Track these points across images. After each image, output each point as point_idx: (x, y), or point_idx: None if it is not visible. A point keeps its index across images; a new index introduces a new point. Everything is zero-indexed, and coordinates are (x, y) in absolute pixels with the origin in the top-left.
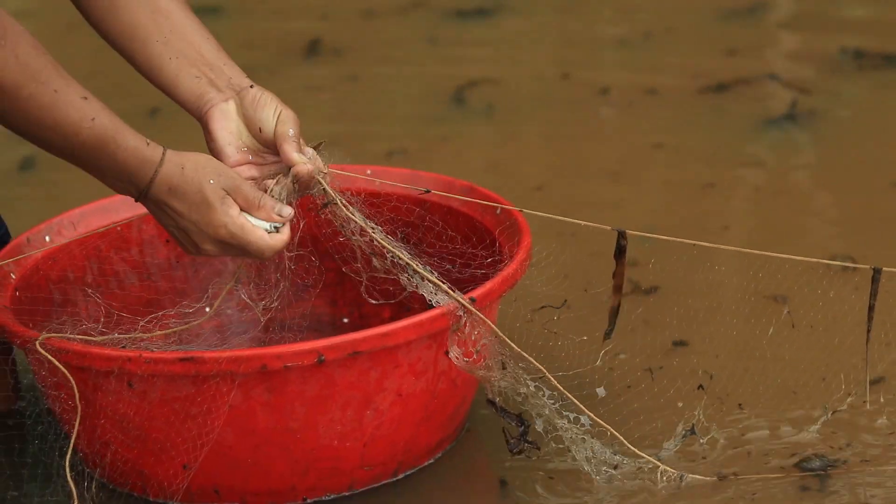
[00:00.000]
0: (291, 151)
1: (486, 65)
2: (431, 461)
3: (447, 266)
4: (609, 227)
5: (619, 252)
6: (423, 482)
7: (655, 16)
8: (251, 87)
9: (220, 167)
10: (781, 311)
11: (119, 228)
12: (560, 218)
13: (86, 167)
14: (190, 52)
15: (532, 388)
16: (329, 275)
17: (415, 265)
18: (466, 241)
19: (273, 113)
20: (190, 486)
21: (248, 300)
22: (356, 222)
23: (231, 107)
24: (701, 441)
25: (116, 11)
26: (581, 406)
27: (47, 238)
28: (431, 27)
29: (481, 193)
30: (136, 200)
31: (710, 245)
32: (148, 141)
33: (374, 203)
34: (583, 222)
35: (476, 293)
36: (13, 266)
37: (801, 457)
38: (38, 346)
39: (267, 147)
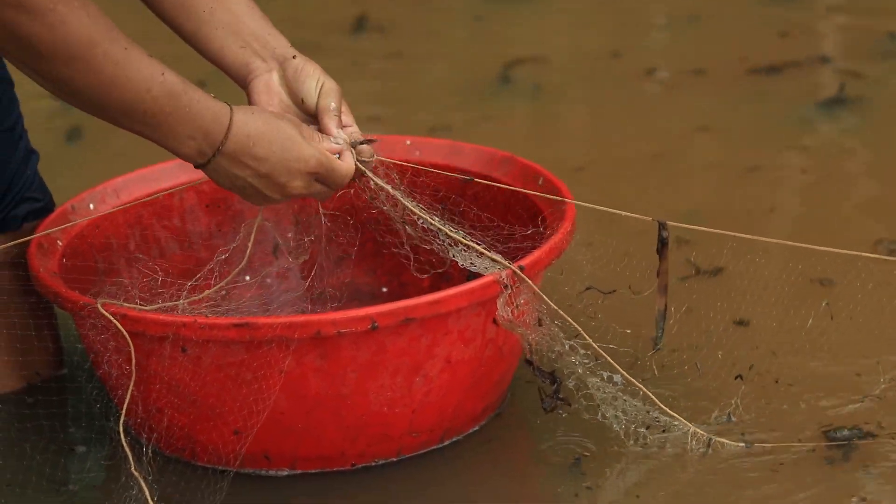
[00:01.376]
0: (331, 126)
1: (533, 43)
2: (476, 428)
3: (489, 237)
4: (650, 218)
5: (662, 245)
6: (468, 450)
7: None
8: (294, 57)
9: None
10: (827, 293)
11: (161, 197)
12: (599, 207)
13: (153, 128)
14: (235, 23)
15: (567, 347)
16: (367, 244)
17: (460, 238)
18: (509, 212)
19: (315, 85)
20: (240, 451)
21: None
22: (402, 202)
23: (275, 77)
24: (732, 418)
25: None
26: (615, 364)
27: (91, 206)
28: (479, 5)
29: (521, 164)
30: (203, 164)
31: (752, 237)
32: (212, 94)
33: (414, 173)
34: (623, 212)
35: (524, 261)
36: (59, 233)
37: (830, 427)
38: (100, 307)
39: (311, 117)
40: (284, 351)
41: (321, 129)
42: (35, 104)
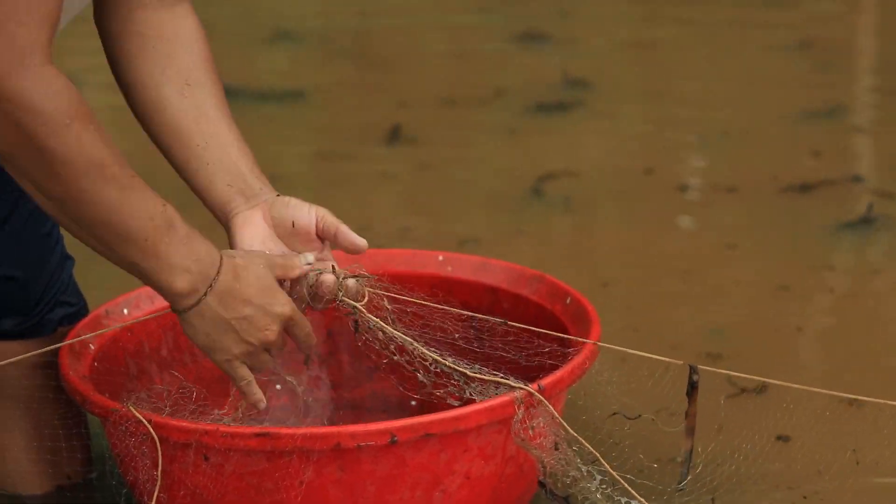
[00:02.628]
0: (350, 232)
1: (566, 158)
2: None
3: (514, 355)
4: (681, 362)
5: (691, 388)
6: None
7: (731, 116)
8: (279, 195)
9: (253, 249)
10: (858, 412)
11: None
12: (628, 350)
13: (150, 257)
14: (226, 161)
15: (584, 472)
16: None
17: (475, 374)
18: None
19: (308, 209)
20: None
21: (292, 383)
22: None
23: (256, 214)
24: None
25: (163, 112)
26: (632, 491)
27: (125, 311)
28: (513, 118)
29: (550, 283)
30: (191, 305)
31: (783, 383)
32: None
33: (446, 289)
34: (654, 356)
35: (545, 381)
36: (92, 337)
37: None
38: (130, 408)
39: (300, 241)
40: (305, 462)
41: (340, 240)
42: None
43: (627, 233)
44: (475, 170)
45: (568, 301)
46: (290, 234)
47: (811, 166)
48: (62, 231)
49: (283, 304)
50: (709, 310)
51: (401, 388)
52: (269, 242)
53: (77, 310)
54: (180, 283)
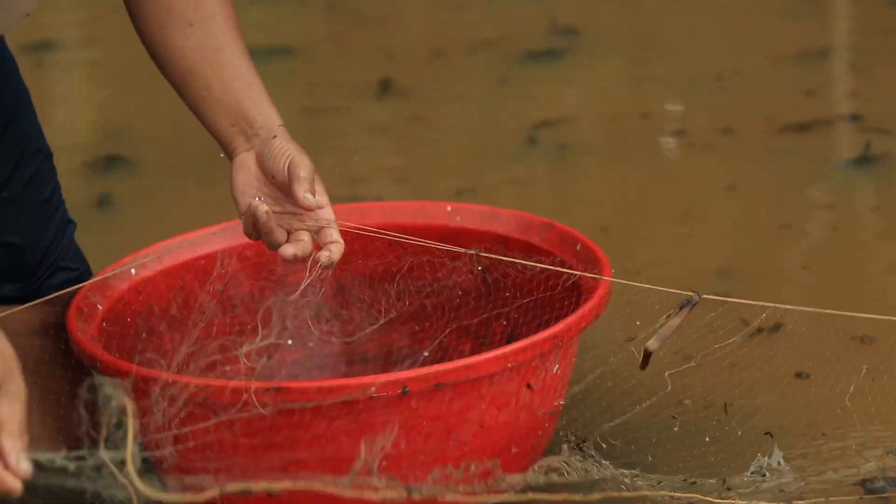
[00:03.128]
0: (300, 189)
1: (559, 105)
2: (511, 493)
3: (526, 300)
4: (691, 293)
5: (690, 307)
6: None
7: (723, 58)
8: (275, 137)
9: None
10: (867, 350)
11: (203, 262)
12: (626, 282)
13: None
14: (228, 100)
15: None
16: (411, 309)
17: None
18: (548, 276)
19: (283, 163)
20: None
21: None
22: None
23: (250, 157)
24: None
25: (169, 55)
26: None
27: (132, 270)
28: (501, 68)
29: (560, 230)
30: None
31: (796, 308)
32: None
33: (455, 239)
34: (660, 288)
35: (556, 329)
36: (100, 298)
37: (866, 478)
38: (140, 367)
39: (284, 194)
40: (317, 415)
41: (292, 198)
42: (67, 174)
43: (625, 177)
44: (468, 120)
45: (578, 248)
46: (274, 185)
47: (807, 106)
48: (63, 195)
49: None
50: (712, 252)
51: (412, 340)
52: (262, 188)
53: (79, 274)
54: None
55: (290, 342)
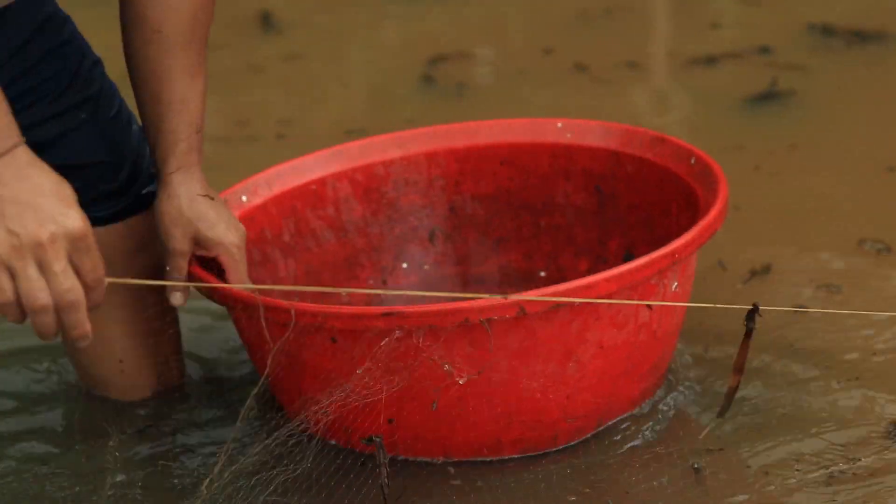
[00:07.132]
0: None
1: (456, 41)
2: (634, 411)
3: (643, 218)
4: (751, 305)
5: (748, 330)
6: (626, 438)
7: None
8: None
9: None
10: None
11: (314, 187)
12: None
13: None
14: (169, 138)
15: None
16: (525, 228)
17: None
18: (663, 192)
19: (216, 245)
20: (395, 439)
21: None
22: None
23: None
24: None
25: (129, 57)
26: None
27: (244, 198)
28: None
29: (673, 144)
30: None
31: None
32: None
33: (567, 156)
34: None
35: (676, 244)
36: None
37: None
38: (256, 295)
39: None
40: (434, 339)
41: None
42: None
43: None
44: (356, 57)
45: (692, 161)
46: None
47: (712, 38)
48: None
49: (75, 219)
50: None
51: (527, 261)
52: (186, 231)
53: None
54: None
55: (405, 265)
